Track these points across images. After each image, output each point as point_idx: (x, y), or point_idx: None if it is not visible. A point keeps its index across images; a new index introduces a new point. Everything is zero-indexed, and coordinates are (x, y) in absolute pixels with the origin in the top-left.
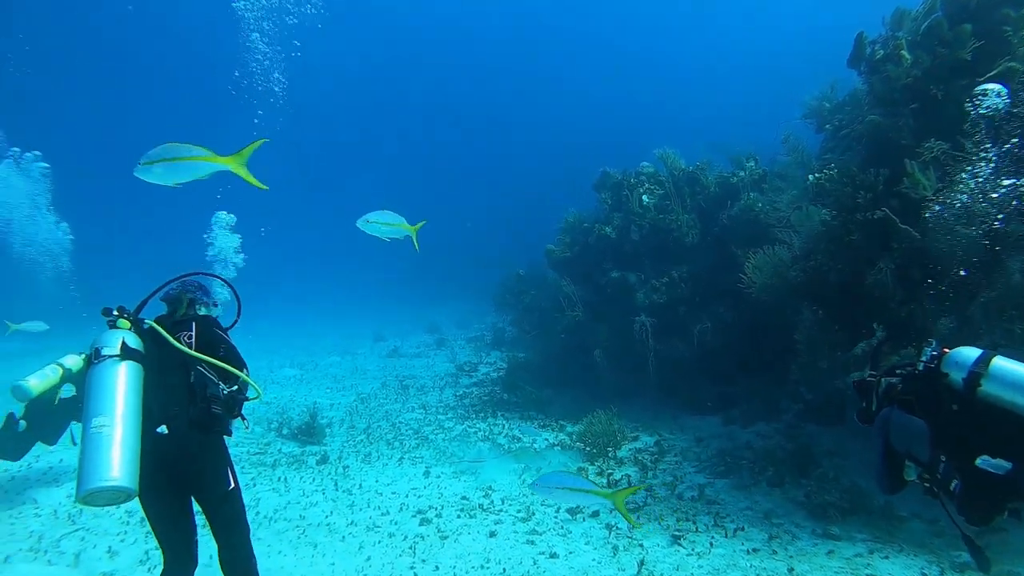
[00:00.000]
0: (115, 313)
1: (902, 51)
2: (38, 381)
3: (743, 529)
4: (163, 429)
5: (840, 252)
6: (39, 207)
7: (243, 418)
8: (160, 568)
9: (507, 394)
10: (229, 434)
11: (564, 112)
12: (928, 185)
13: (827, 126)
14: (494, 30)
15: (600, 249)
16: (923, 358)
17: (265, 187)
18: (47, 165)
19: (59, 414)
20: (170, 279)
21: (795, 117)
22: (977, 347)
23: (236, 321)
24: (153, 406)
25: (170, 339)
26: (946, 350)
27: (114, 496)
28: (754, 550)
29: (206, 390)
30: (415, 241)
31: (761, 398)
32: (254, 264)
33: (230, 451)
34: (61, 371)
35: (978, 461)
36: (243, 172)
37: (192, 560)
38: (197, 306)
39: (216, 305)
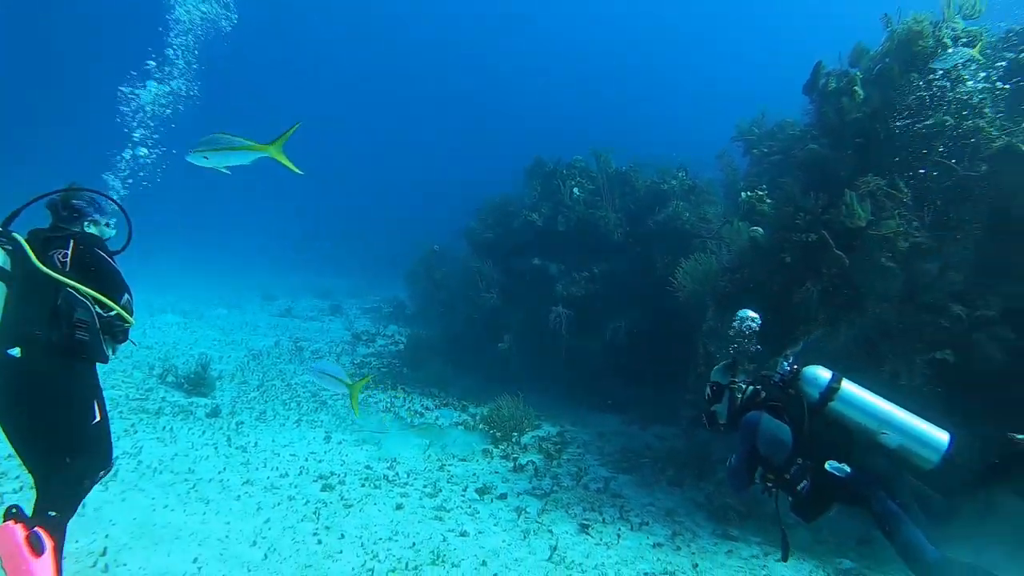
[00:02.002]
0: None
1: (855, 86)
2: None
3: (647, 524)
4: (15, 351)
5: (771, 268)
6: None
7: (133, 342)
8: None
9: (407, 368)
10: (104, 360)
11: (495, 94)
12: (863, 216)
13: (754, 150)
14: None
15: (524, 235)
16: (779, 371)
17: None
18: None
19: None
20: (51, 191)
21: (726, 138)
22: (826, 368)
23: (126, 245)
24: (10, 326)
25: (31, 257)
26: (795, 367)
27: None
28: (658, 544)
29: (73, 314)
30: (284, 160)
31: (662, 402)
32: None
33: (105, 392)
34: None
35: (827, 465)
36: (282, 158)
37: None
38: (86, 222)
39: (109, 226)
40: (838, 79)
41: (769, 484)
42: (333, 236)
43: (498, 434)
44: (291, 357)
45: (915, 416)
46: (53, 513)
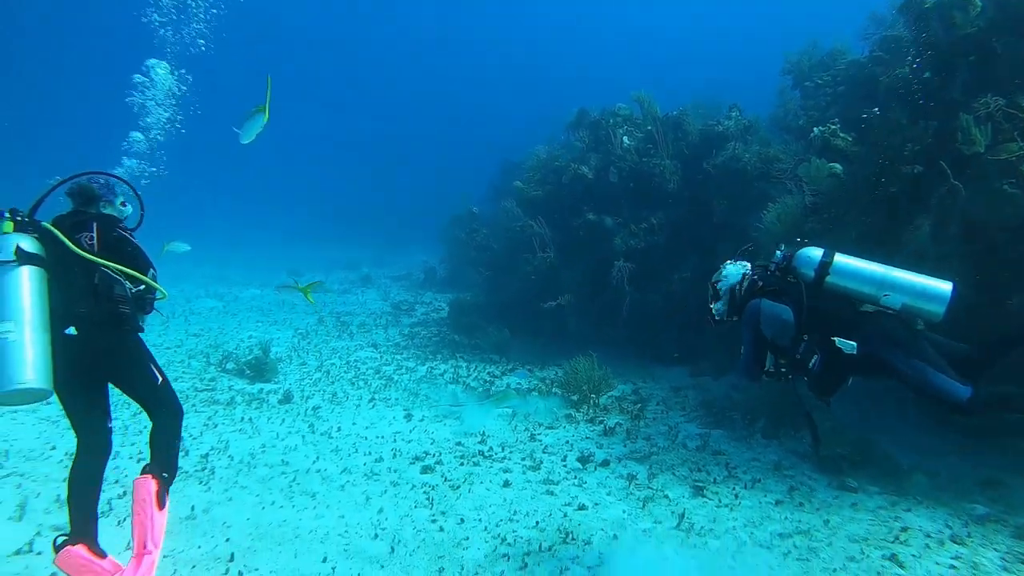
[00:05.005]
0: (6, 216)
1: None
2: None
3: (760, 481)
4: (72, 330)
5: (870, 205)
6: None
7: (160, 312)
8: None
9: (458, 335)
10: (141, 329)
11: (518, 49)
12: (982, 141)
13: (806, 83)
14: None
15: (575, 190)
16: (775, 259)
17: None
18: None
19: None
20: (67, 177)
21: (774, 73)
22: (818, 247)
23: (140, 223)
24: (59, 308)
25: (67, 242)
26: (789, 253)
27: (30, 396)
28: (779, 502)
29: (112, 291)
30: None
31: (727, 350)
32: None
33: (172, 385)
34: None
35: (836, 341)
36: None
37: (106, 446)
38: (102, 204)
39: (125, 205)
40: None
41: (783, 370)
42: (344, 209)
43: (575, 397)
44: (339, 333)
45: (912, 272)
46: (166, 475)
